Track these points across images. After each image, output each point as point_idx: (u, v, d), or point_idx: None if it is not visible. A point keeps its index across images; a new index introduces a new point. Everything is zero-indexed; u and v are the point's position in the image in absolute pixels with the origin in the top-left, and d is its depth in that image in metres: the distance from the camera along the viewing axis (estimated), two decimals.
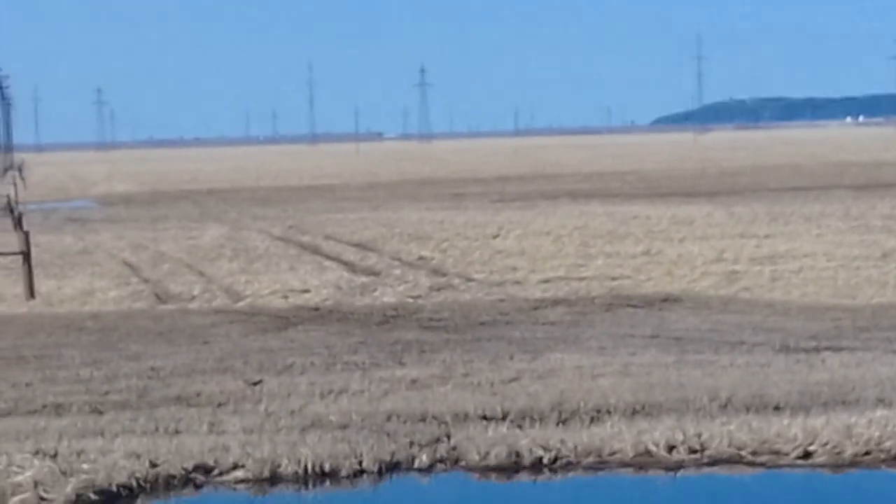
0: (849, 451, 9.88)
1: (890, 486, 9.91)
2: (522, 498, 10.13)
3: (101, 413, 11.23)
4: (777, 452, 9.96)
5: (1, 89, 63.03)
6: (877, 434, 10.00)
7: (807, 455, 9.89)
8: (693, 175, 77.02)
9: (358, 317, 19.58)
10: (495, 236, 34.64)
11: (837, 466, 9.75)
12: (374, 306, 20.83)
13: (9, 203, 37.56)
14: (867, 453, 9.92)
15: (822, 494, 10.10)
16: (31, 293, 22.49)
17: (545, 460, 9.96)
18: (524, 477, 9.83)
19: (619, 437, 10.03)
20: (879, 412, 10.47)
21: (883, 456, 9.91)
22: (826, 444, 9.96)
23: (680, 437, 10.03)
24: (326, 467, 9.76)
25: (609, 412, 10.79)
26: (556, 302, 20.56)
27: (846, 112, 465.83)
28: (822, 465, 9.74)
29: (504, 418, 10.84)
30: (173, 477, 9.60)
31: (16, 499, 9.27)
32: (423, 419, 10.79)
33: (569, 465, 9.85)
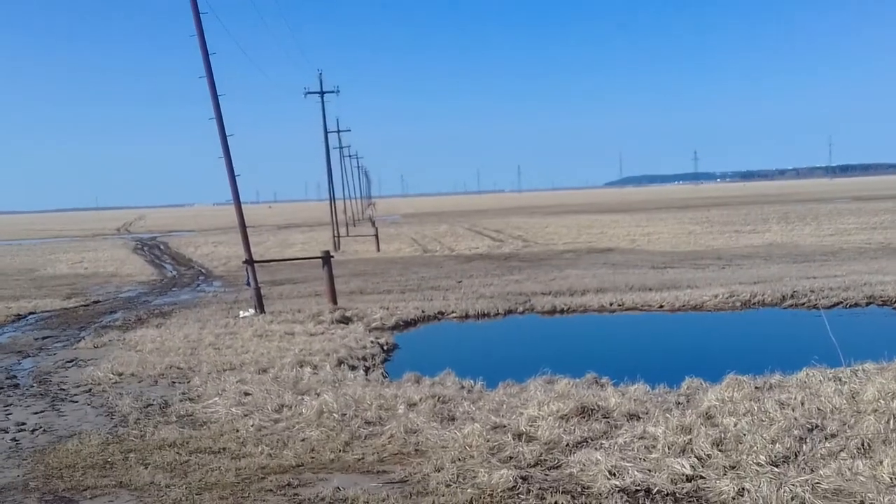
0: (677, 305, 25.86)
1: (697, 318, 25.88)
2: (559, 323, 25.09)
3: (403, 293, 28.63)
4: (651, 306, 26.01)
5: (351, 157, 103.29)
6: (687, 298, 26.00)
7: (661, 307, 25.99)
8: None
9: (495, 258, 40.51)
10: (545, 227, 70.32)
11: (674, 311, 25.80)
12: (501, 254, 43.04)
13: (371, 216, 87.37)
14: (687, 305, 26.01)
15: (668, 322, 25.67)
16: (378, 249, 49.45)
17: (565, 309, 26.29)
18: (557, 316, 26.09)
19: (592, 300, 26.28)
20: (688, 290, 26.68)
21: (693, 304, 25.84)
22: (668, 302, 25.84)
23: (615, 299, 26.28)
24: (486, 312, 26.00)
25: (587, 291, 27.34)
26: (567, 251, 43.38)
27: None
28: (666, 311, 25.78)
29: (549, 294, 27.32)
30: (430, 316, 25.79)
31: (375, 316, 25.90)
32: (519, 294, 27.39)
33: (572, 311, 26.06)
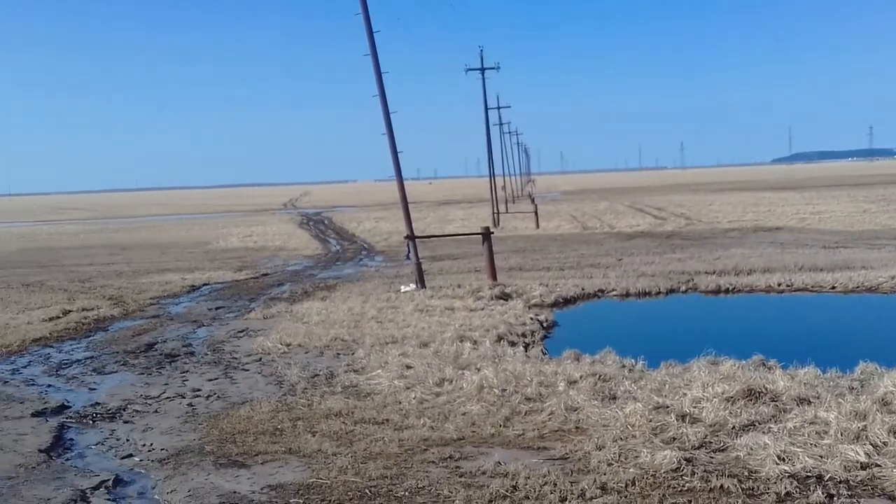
0: (850, 286, 24.71)
1: (871, 300, 24.61)
2: (723, 303, 23.86)
3: (562, 270, 28.51)
4: (822, 287, 24.89)
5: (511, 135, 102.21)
6: (861, 279, 24.79)
7: (833, 288, 24.93)
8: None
9: (657, 235, 39.55)
10: (709, 204, 68.38)
11: (846, 292, 24.65)
12: (662, 231, 41.86)
13: (530, 193, 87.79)
14: (861, 287, 24.79)
15: (840, 304, 24.20)
16: (537, 226, 49.19)
17: (730, 289, 25.44)
18: (722, 296, 25.29)
19: (759, 280, 25.38)
20: (863, 271, 25.47)
21: (867, 286, 24.58)
22: (841, 283, 24.63)
23: (783, 280, 25.34)
24: (647, 290, 25.52)
25: (754, 271, 26.46)
26: (733, 230, 42.19)
27: None
28: (839, 292, 24.68)
29: (713, 273, 26.58)
30: (590, 294, 25.46)
31: (534, 293, 25.83)
32: (682, 273, 26.76)
33: (737, 291, 25.26)
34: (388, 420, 11.51)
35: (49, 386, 14.88)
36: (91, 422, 12.45)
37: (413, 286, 24.83)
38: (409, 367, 14.38)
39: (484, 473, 9.28)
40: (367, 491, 8.91)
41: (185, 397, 13.58)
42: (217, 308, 23.69)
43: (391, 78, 25.89)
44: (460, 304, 21.46)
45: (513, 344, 16.64)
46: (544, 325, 19.53)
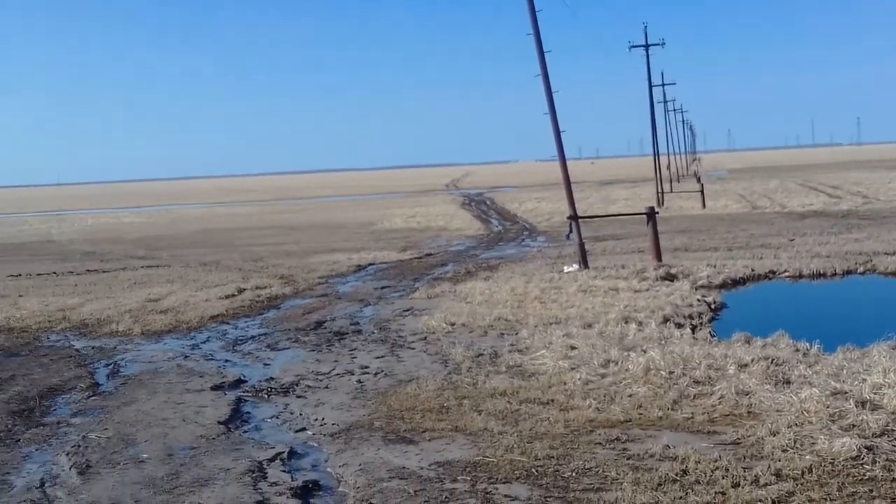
0: None
1: None
2: None
3: (730, 250, 27.73)
4: None
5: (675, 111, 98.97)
6: None
7: None
8: None
9: (831, 215, 38.64)
10: (889, 182, 63.39)
11: None
12: (837, 210, 40.97)
13: (695, 172, 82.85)
14: None
15: None
16: (703, 206, 48.32)
17: None
18: None
19: None
20: None
21: None
22: None
23: None
24: (821, 271, 23.64)
25: None
26: None
27: None
28: None
29: (893, 254, 25.25)
30: (760, 275, 24.25)
31: (701, 274, 25.05)
32: (859, 253, 25.49)
33: None
34: (553, 400, 11.48)
35: (226, 361, 15.52)
36: (266, 396, 12.92)
37: (576, 266, 24.66)
38: (573, 348, 14.29)
39: (652, 456, 9.14)
40: (533, 470, 8.92)
41: (353, 374, 13.91)
42: (383, 287, 24.16)
43: (553, 57, 25.66)
44: (624, 284, 21.17)
45: (679, 326, 16.30)
46: (712, 306, 19.06)
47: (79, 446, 10.50)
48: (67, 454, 10.20)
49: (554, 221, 45.99)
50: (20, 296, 24.17)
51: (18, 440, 11.05)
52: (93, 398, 13.08)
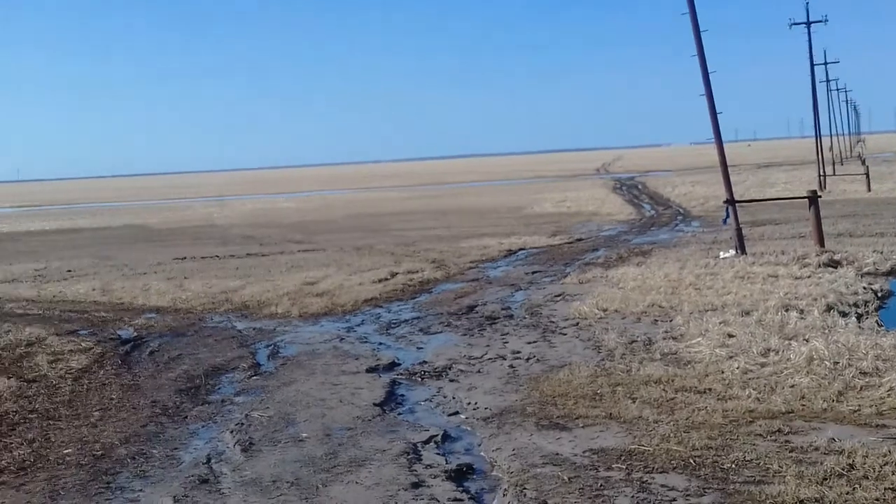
0: None
1: None
2: None
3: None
4: None
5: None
6: None
7: None
8: None
9: None
10: None
11: None
12: None
13: (860, 154, 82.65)
14: None
15: None
16: (869, 189, 46.37)
17: None
18: None
19: None
20: None
21: None
22: None
23: None
24: None
25: None
26: None
27: None
28: None
29: None
30: None
31: (867, 261, 23.70)
32: None
33: None
34: (710, 389, 11.21)
35: (380, 344, 15.80)
36: (419, 379, 13.09)
37: (732, 252, 24.00)
38: (730, 336, 13.91)
39: (816, 449, 8.81)
40: (690, 461, 8.73)
41: (505, 359, 13.93)
42: (533, 272, 24.11)
43: (710, 36, 24.98)
44: (784, 271, 20.48)
45: (844, 314, 15.64)
46: (879, 294, 18.22)
47: (242, 424, 10.88)
48: (231, 432, 10.58)
49: (709, 206, 44.87)
50: (185, 278, 25.19)
51: (186, 417, 11.53)
52: (254, 378, 13.53)
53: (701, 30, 24.43)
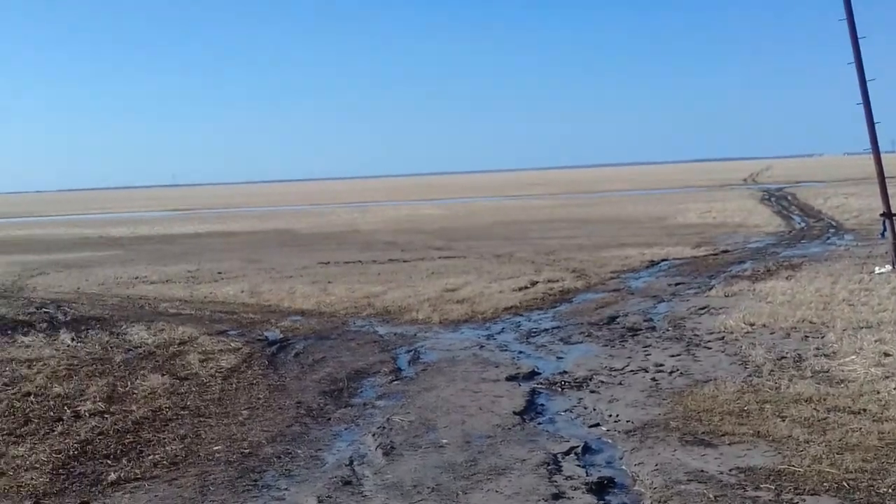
0: None
1: None
2: None
3: None
4: None
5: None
6: None
7: None
8: None
9: None
10: None
11: None
12: None
13: None
14: None
15: None
16: None
17: None
18: None
19: None
20: None
21: None
22: None
23: None
24: None
25: None
26: None
27: None
28: None
29: None
30: None
31: None
32: None
33: None
34: (864, 410, 10.75)
35: (520, 352, 15.76)
36: (559, 389, 12.99)
37: (889, 267, 23.00)
38: (887, 355, 13.32)
39: None
40: (844, 484, 8.38)
41: (647, 371, 13.69)
42: (676, 284, 23.64)
43: (868, 43, 24.00)
44: None
45: None
46: None
47: (383, 428, 11.02)
48: (373, 435, 10.73)
49: (863, 219, 43.13)
50: (329, 282, 25.73)
51: (330, 419, 11.75)
52: (395, 382, 13.69)
53: (859, 36, 23.50)
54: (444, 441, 10.43)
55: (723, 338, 15.91)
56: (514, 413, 11.63)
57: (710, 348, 15.18)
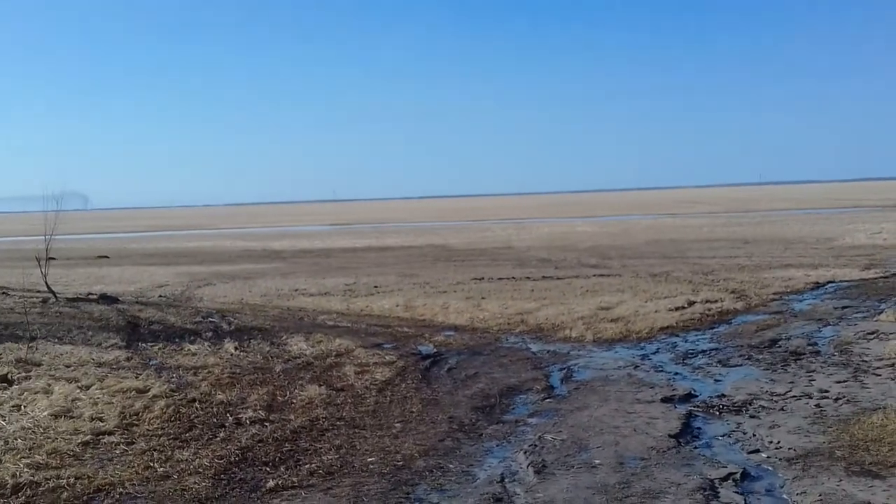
0: None
1: None
2: None
3: None
4: None
5: None
6: None
7: None
8: None
9: None
10: None
11: None
12: None
13: None
14: None
15: None
16: None
17: None
18: None
19: None
20: None
21: None
22: None
23: None
24: None
25: None
26: None
27: None
28: None
29: None
30: None
31: None
32: None
33: None
34: None
35: (676, 374, 15.41)
36: (717, 413, 12.62)
37: None
38: None
39: None
40: None
41: (811, 397, 13.17)
42: (843, 307, 22.67)
43: None
44: None
45: None
46: None
47: (535, 446, 10.95)
48: (525, 452, 10.68)
49: None
50: (482, 298, 25.82)
51: (481, 435, 11.76)
52: (547, 400, 13.60)
53: None
54: (597, 461, 10.28)
55: (893, 364, 15.16)
56: (670, 436, 11.36)
57: (879, 375, 14.48)
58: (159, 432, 11.79)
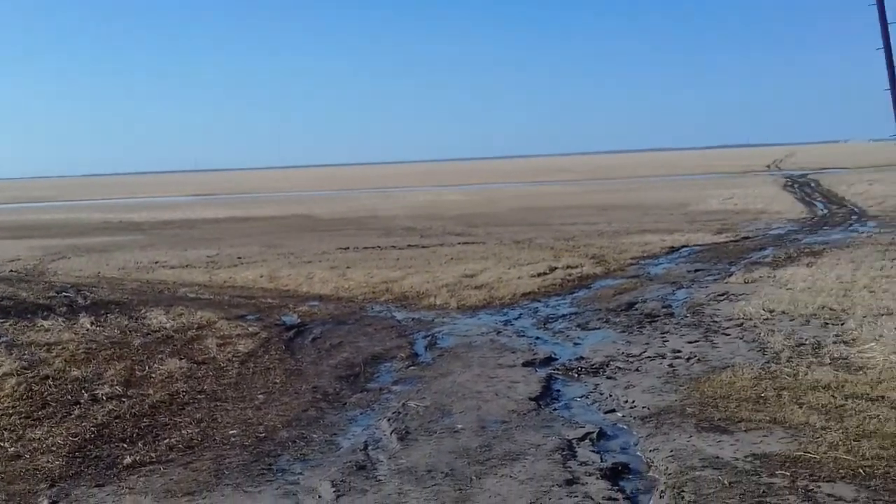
0: None
1: None
2: None
3: None
4: None
5: None
6: None
7: None
8: None
9: None
10: None
11: None
12: None
13: None
14: None
15: None
16: None
17: None
18: None
19: None
20: None
21: None
22: None
23: None
24: None
25: None
26: None
27: None
28: None
29: None
30: None
31: None
32: None
33: None
34: (883, 397, 10.67)
35: (537, 338, 15.73)
36: (576, 375, 12.96)
37: None
38: None
39: None
40: (860, 470, 8.32)
41: (665, 357, 13.64)
42: (696, 270, 23.53)
43: None
44: None
45: None
46: None
47: (399, 413, 11.03)
48: (388, 420, 10.74)
49: (887, 205, 42.84)
50: (348, 267, 25.76)
51: (345, 404, 11.77)
52: (411, 368, 13.70)
53: (889, 22, 23.25)
54: (459, 426, 10.43)
55: (741, 324, 15.82)
56: (530, 399, 11.61)
57: (728, 335, 15.09)
58: (10, 411, 11.37)
